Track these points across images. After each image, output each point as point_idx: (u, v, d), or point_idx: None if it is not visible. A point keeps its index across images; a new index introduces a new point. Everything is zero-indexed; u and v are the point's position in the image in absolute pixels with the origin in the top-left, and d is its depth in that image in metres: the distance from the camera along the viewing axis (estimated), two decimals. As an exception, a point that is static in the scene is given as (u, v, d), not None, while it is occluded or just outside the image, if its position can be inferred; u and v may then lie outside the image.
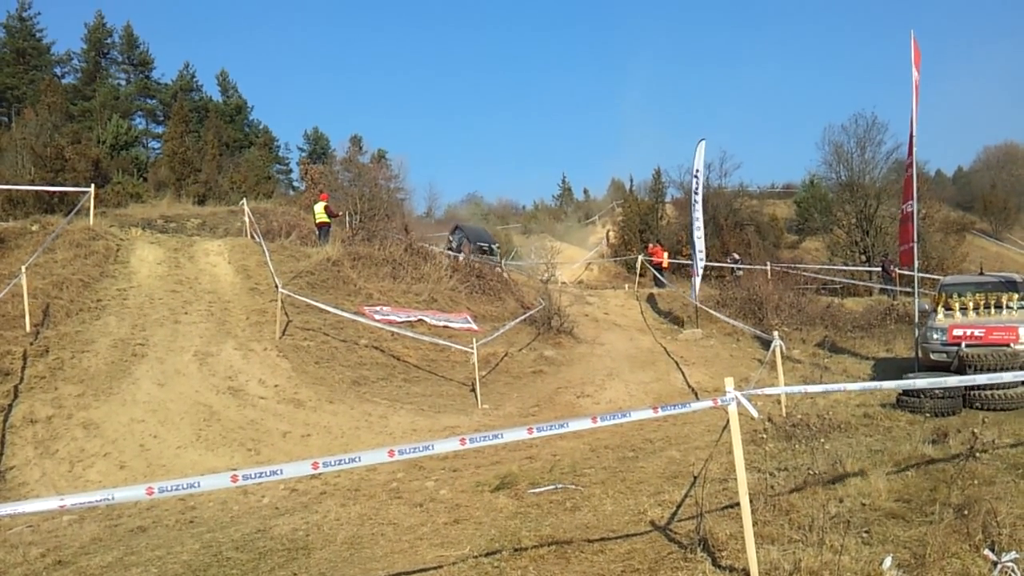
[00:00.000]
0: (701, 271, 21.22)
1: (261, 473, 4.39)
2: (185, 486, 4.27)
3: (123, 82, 52.27)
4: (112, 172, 32.87)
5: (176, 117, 40.02)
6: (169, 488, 4.21)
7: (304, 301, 15.36)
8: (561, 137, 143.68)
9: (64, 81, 48.00)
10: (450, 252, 25.44)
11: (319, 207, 21.94)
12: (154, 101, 52.64)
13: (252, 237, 19.69)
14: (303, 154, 56.19)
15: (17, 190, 24.36)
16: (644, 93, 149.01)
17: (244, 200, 23.11)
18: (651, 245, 30.97)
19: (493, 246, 30.27)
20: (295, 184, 51.27)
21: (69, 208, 19.33)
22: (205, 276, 16.69)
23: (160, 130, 49.73)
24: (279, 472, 4.52)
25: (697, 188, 21.20)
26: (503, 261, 28.00)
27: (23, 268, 13.31)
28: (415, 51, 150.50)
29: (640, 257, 28.65)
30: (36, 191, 24.31)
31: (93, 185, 19.56)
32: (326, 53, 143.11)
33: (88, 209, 18.40)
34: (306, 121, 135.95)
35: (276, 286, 14.84)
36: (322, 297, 16.27)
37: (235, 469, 6.99)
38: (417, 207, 48.61)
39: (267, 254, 17.03)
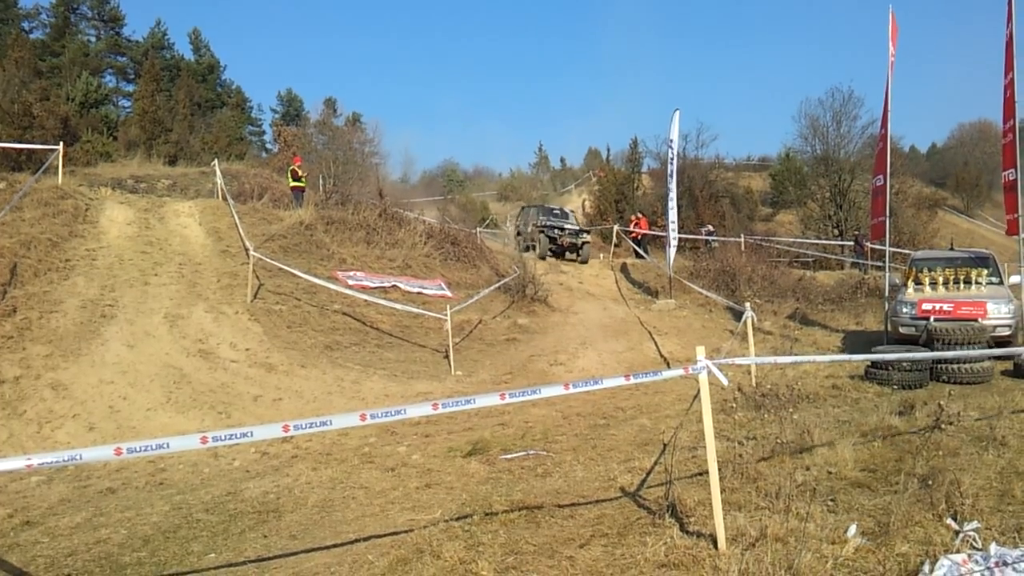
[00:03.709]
0: (675, 242, 21.33)
1: (231, 435, 4.35)
2: (154, 447, 4.23)
3: (93, 39, 50.94)
4: (81, 130, 32.08)
5: (147, 75, 39.20)
6: (138, 449, 4.16)
7: (276, 265, 15.22)
8: (538, 105, 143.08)
9: (32, 36, 46.58)
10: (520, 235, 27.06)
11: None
12: (125, 59, 51.43)
13: (224, 199, 19.44)
14: (276, 115, 55.47)
15: (-17, 147, 23.79)
16: (622, 63, 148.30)
17: (216, 161, 22.75)
18: (635, 216, 30.77)
19: (565, 210, 29.21)
20: (268, 146, 50.68)
21: (37, 166, 18.92)
22: (175, 237, 16.45)
23: (131, 88, 48.61)
24: (249, 434, 4.49)
25: (672, 158, 21.21)
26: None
27: (-11, 226, 13.08)
28: (390, 14, 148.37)
29: (615, 227, 28.62)
30: (3, 148, 23.73)
31: (62, 143, 19.20)
32: (301, 13, 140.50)
33: (56, 167, 18.06)
34: (280, 82, 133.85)
35: (247, 249, 14.68)
36: (295, 261, 16.13)
37: (205, 431, 6.95)
38: (392, 172, 48.24)
39: (235, 216, 16.81)
